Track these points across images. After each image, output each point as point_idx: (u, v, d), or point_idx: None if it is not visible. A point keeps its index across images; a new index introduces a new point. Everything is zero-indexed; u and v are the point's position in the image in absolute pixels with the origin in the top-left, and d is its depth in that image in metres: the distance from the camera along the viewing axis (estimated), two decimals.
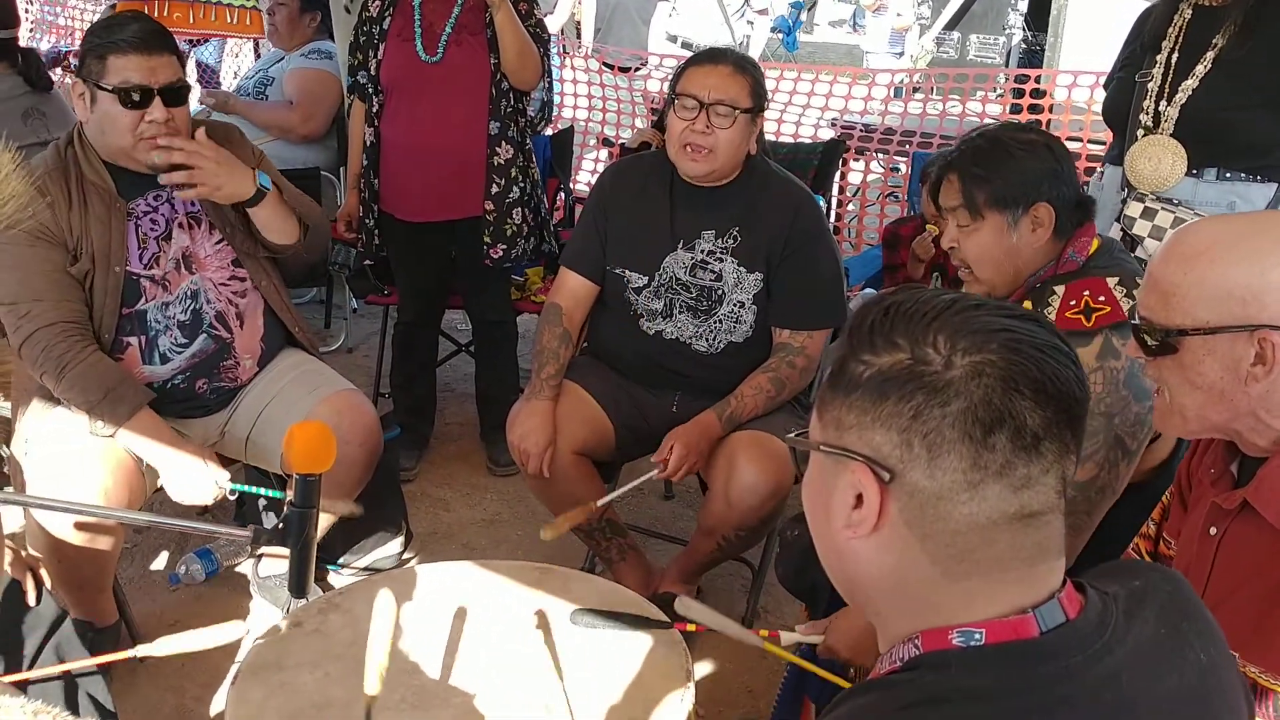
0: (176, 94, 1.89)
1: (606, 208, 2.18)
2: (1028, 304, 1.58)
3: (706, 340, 2.12)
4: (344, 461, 1.92)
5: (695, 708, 1.35)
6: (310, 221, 2.08)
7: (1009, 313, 0.73)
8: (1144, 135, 2.20)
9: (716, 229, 2.09)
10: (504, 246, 2.74)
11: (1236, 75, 2.09)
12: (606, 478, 2.28)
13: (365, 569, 2.37)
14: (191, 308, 2.00)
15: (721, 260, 2.10)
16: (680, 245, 2.11)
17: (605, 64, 5.52)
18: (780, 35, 10.01)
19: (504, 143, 2.69)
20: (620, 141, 4.57)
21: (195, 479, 1.87)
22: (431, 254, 2.82)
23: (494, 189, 2.70)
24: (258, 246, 2.05)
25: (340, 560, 2.38)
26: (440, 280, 2.90)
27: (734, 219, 2.09)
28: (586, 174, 5.03)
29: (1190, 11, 2.17)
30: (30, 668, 1.49)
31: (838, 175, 4.15)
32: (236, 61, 5.91)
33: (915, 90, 5.35)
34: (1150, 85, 2.20)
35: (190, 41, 5.08)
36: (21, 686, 1.44)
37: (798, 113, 4.89)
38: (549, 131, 3.72)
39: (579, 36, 6.41)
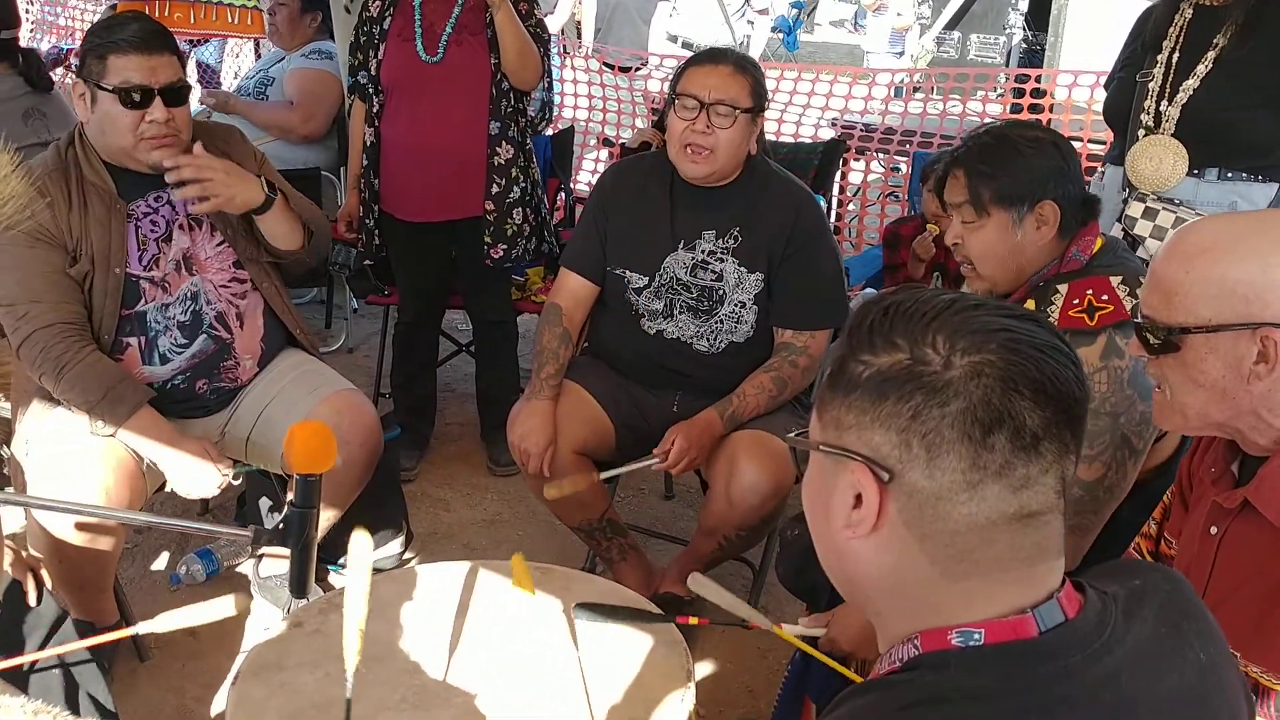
0: (177, 94, 1.89)
1: (607, 208, 2.18)
2: (1031, 303, 1.58)
3: (707, 340, 2.12)
4: (344, 462, 1.92)
5: (696, 708, 1.35)
6: (314, 227, 2.09)
7: (1008, 313, 0.73)
8: (1145, 135, 2.20)
9: (717, 229, 2.09)
10: (504, 246, 2.74)
11: (1238, 75, 2.09)
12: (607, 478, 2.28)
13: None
14: (191, 308, 2.00)
15: (722, 260, 2.10)
16: (681, 245, 2.11)
17: (605, 64, 5.52)
18: (781, 35, 10.01)
19: (504, 143, 2.69)
20: (620, 141, 4.57)
21: (199, 472, 1.87)
22: (432, 254, 2.82)
23: (494, 189, 2.70)
24: (260, 250, 2.05)
25: (341, 560, 2.37)
26: (441, 280, 2.90)
27: (735, 219, 2.09)
28: (587, 174, 5.03)
29: (1191, 11, 2.17)
30: (32, 669, 1.50)
31: (838, 175, 4.15)
32: (237, 62, 5.91)
33: (916, 90, 5.35)
34: (1151, 85, 2.20)
35: (191, 41, 5.08)
36: (21, 681, 1.45)
37: (798, 112, 4.89)
38: (549, 131, 3.72)
39: (579, 36, 6.41)
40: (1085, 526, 1.52)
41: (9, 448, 2.03)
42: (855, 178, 4.79)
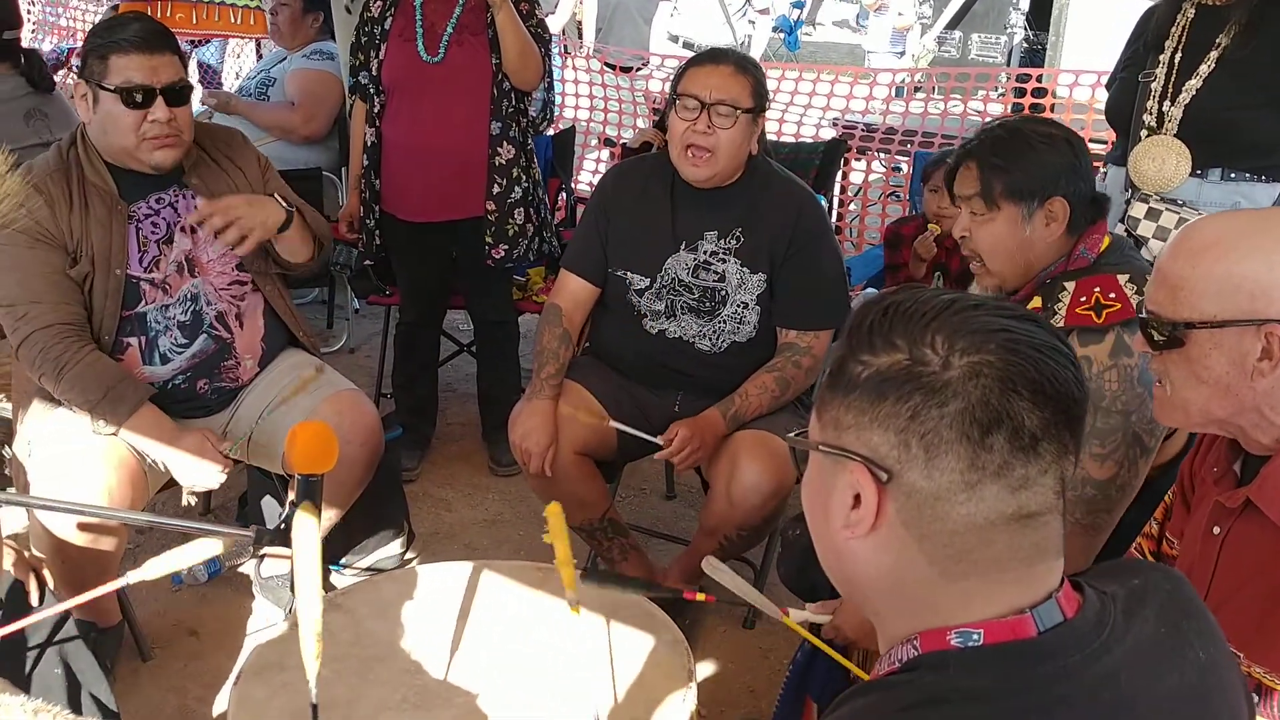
0: (179, 94, 1.89)
1: (608, 210, 2.18)
2: (1038, 300, 1.58)
3: (710, 340, 2.12)
4: (346, 462, 1.92)
5: (697, 708, 1.35)
6: (323, 237, 2.10)
7: (1007, 313, 0.73)
8: (1148, 136, 2.19)
9: (719, 230, 2.09)
10: (506, 247, 2.74)
11: (1240, 75, 2.09)
12: (608, 477, 2.29)
13: (367, 569, 2.37)
14: (191, 309, 2.00)
15: (724, 261, 2.10)
16: (683, 246, 2.11)
17: (607, 64, 5.52)
18: (782, 35, 10.00)
19: (505, 143, 2.69)
20: (622, 141, 4.57)
21: (202, 464, 1.87)
22: (433, 254, 2.82)
23: (495, 189, 2.71)
24: (269, 262, 2.06)
25: (342, 561, 2.38)
26: (442, 280, 2.90)
27: (736, 219, 2.09)
28: (588, 174, 5.03)
29: (1193, 11, 2.17)
30: (33, 669, 1.50)
31: (839, 175, 4.15)
32: (238, 62, 5.91)
33: (917, 90, 5.35)
34: (1154, 85, 2.19)
35: (192, 42, 5.08)
36: (23, 681, 1.45)
37: (799, 112, 4.89)
38: (550, 131, 3.72)
39: (580, 36, 6.41)
40: (1099, 525, 1.52)
41: (11, 448, 2.03)
42: (856, 178, 4.79)
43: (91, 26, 2.18)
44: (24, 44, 2.95)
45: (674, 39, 5.86)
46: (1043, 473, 0.71)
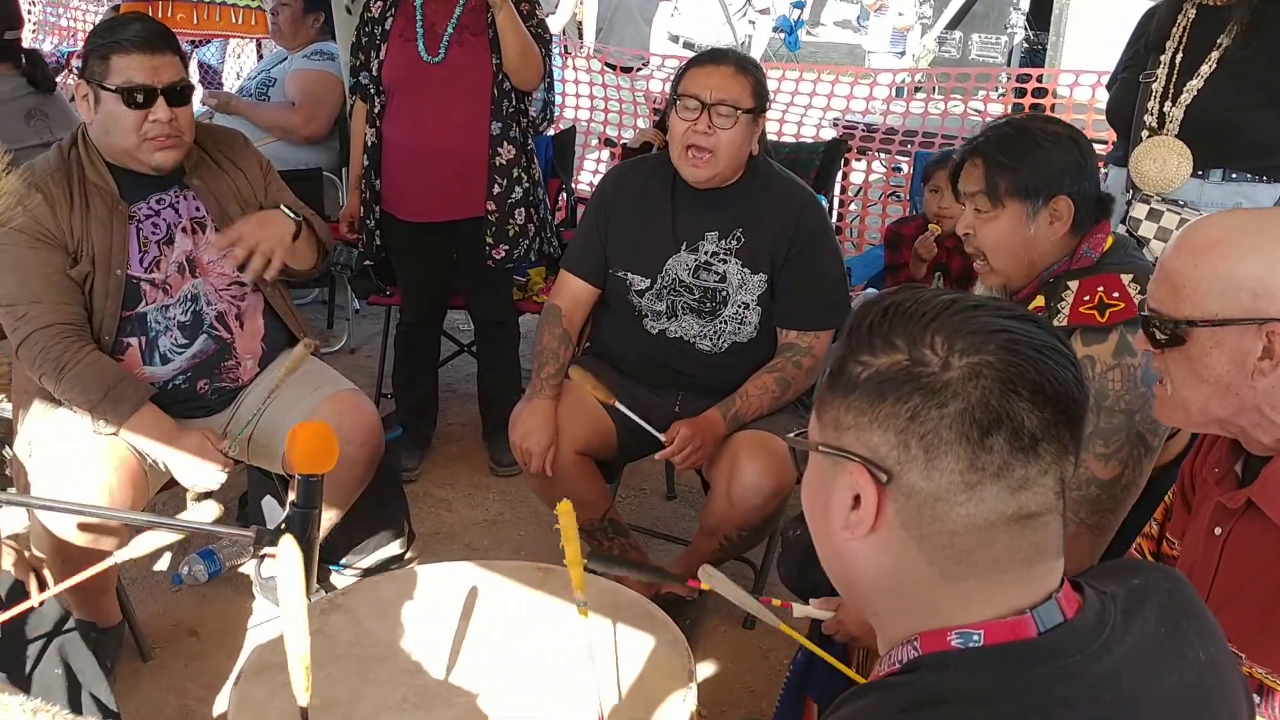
0: (180, 94, 1.89)
1: (608, 210, 2.18)
2: (1041, 298, 1.58)
3: (711, 340, 2.12)
4: (346, 462, 1.92)
5: (698, 708, 1.35)
6: (326, 242, 2.10)
7: (1007, 313, 0.73)
8: (1149, 136, 2.19)
9: (720, 230, 2.09)
10: (506, 247, 2.74)
11: (1241, 75, 2.09)
12: (608, 478, 2.29)
13: (367, 569, 2.37)
14: (192, 309, 2.00)
15: (725, 261, 2.10)
16: (683, 247, 2.11)
17: (607, 64, 5.51)
18: (782, 35, 10.00)
19: (506, 143, 2.69)
20: (622, 142, 4.57)
21: (202, 465, 1.87)
22: (433, 254, 2.83)
23: (496, 189, 2.71)
24: None
25: (342, 561, 2.38)
26: (442, 280, 2.90)
27: (737, 220, 2.09)
28: (588, 174, 5.03)
29: (1194, 11, 2.17)
30: (33, 669, 1.50)
31: (839, 175, 4.15)
32: (239, 62, 5.92)
33: (917, 90, 5.35)
34: (1155, 86, 2.19)
35: (193, 42, 5.09)
36: (24, 681, 1.45)
37: (799, 113, 4.89)
38: (551, 132, 3.72)
39: (580, 36, 6.41)
40: (1104, 525, 1.52)
41: (11, 448, 2.03)
42: (857, 178, 4.79)
43: (92, 27, 2.18)
44: (25, 44, 2.95)
45: (674, 39, 5.85)
46: (1043, 473, 0.71)
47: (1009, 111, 4.82)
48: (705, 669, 2.14)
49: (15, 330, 1.86)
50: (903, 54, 8.40)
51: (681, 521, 2.72)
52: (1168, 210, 2.14)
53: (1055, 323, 1.53)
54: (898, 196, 4.41)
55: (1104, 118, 2.64)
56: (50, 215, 1.86)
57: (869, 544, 0.74)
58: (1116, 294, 1.51)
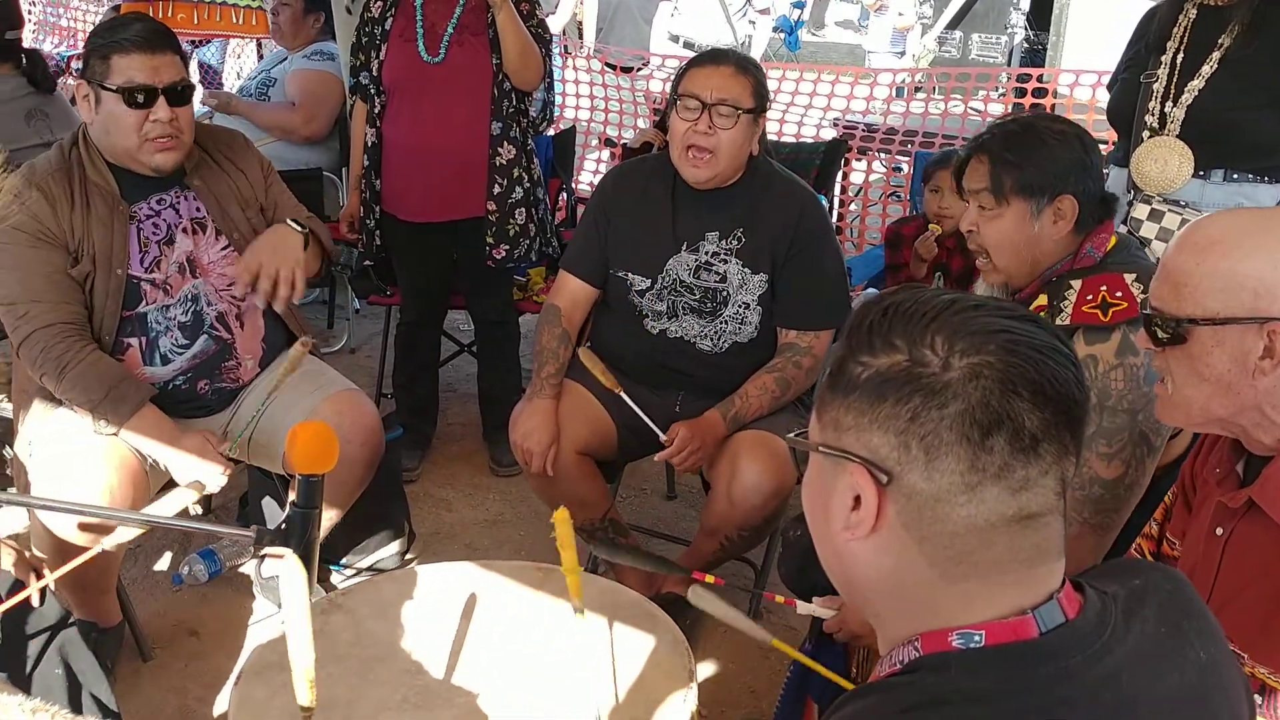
0: (180, 94, 1.89)
1: (608, 211, 2.18)
2: (1044, 297, 1.58)
3: (711, 340, 2.12)
4: (346, 462, 1.92)
5: (698, 708, 1.35)
6: (329, 249, 2.10)
7: (1007, 313, 0.73)
8: (1150, 137, 2.19)
9: (720, 230, 2.09)
10: (506, 247, 2.74)
11: (1243, 75, 2.09)
12: (609, 478, 2.29)
13: (368, 569, 2.37)
14: (192, 309, 2.00)
15: (726, 261, 2.10)
16: (684, 247, 2.11)
17: (607, 64, 5.51)
18: (782, 35, 10.00)
19: (506, 143, 2.69)
20: (622, 142, 4.57)
21: (203, 467, 1.88)
22: (434, 254, 2.83)
23: (496, 189, 2.71)
24: None
25: (343, 561, 2.38)
26: (442, 280, 2.90)
27: (738, 220, 2.08)
28: (588, 174, 5.03)
29: (1195, 11, 2.17)
30: (34, 669, 1.50)
31: (840, 175, 4.15)
32: (239, 62, 5.92)
33: (917, 90, 5.35)
34: (1155, 86, 2.19)
35: (193, 42, 5.09)
36: (24, 681, 1.45)
37: (800, 113, 4.89)
38: (551, 132, 3.72)
39: (581, 36, 6.41)
40: (1107, 525, 1.52)
41: (12, 448, 2.03)
42: (857, 178, 4.79)
43: (92, 27, 2.18)
44: (25, 44, 2.95)
45: (674, 39, 5.86)
46: (1043, 474, 0.71)
47: (1009, 111, 4.82)
48: (705, 669, 2.14)
49: (16, 329, 1.86)
50: (903, 54, 8.40)
51: (682, 521, 2.72)
52: (1169, 211, 2.14)
53: (1058, 322, 1.53)
54: (898, 196, 4.41)
55: (1104, 118, 2.63)
56: (51, 214, 1.86)
57: (869, 545, 0.74)
58: (1120, 293, 1.51)
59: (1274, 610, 1.06)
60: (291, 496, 1.28)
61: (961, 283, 2.69)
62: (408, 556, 2.47)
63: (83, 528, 1.80)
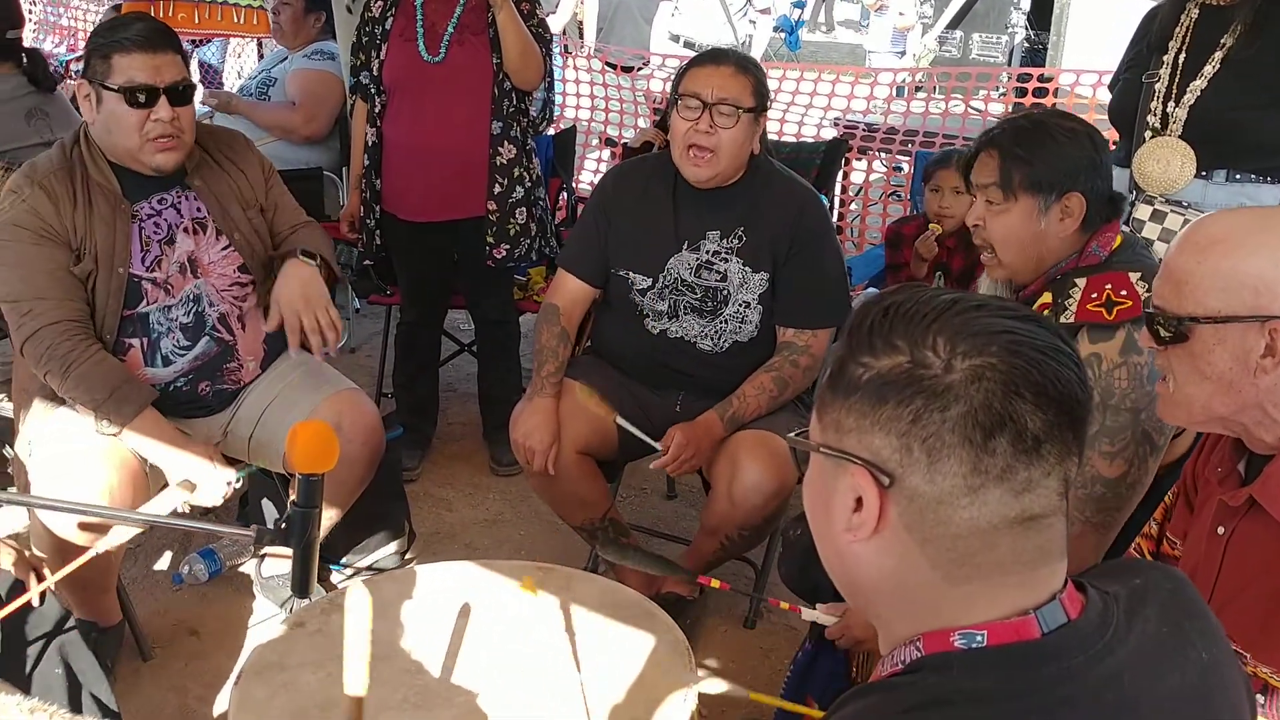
0: (182, 93, 1.89)
1: (609, 210, 2.17)
2: (1048, 295, 1.58)
3: (712, 340, 2.12)
4: (346, 461, 1.92)
5: (698, 708, 1.35)
6: (335, 271, 2.11)
7: (1010, 313, 0.72)
8: (1152, 137, 2.19)
9: (721, 229, 2.09)
10: (507, 246, 2.74)
11: (1245, 75, 2.08)
12: (609, 477, 2.29)
13: (368, 569, 2.37)
14: (194, 310, 2.00)
15: (727, 260, 2.09)
16: (685, 246, 2.11)
17: (607, 64, 5.51)
18: (783, 35, 10.01)
19: (506, 142, 2.69)
20: (623, 141, 4.56)
21: (203, 480, 1.87)
22: (434, 254, 2.82)
23: (496, 189, 2.71)
24: (268, 260, 2.06)
25: (343, 560, 2.38)
26: (442, 280, 2.90)
27: (738, 219, 2.08)
28: (589, 174, 5.02)
29: (1197, 11, 2.16)
30: (34, 668, 1.50)
31: (840, 175, 4.14)
32: (239, 62, 5.92)
33: (918, 89, 5.35)
34: (1158, 86, 2.18)
35: (194, 41, 5.09)
36: (24, 681, 1.45)
37: (800, 112, 4.88)
38: (551, 131, 3.72)
39: (581, 36, 6.41)
40: (1108, 524, 1.52)
41: (12, 447, 2.03)
42: (857, 177, 4.78)
43: (93, 27, 2.18)
44: (26, 43, 2.95)
45: (675, 39, 5.86)
46: (1046, 475, 0.71)
47: (1009, 111, 4.82)
48: (705, 669, 2.14)
49: (21, 327, 1.86)
50: (903, 53, 8.41)
51: (682, 521, 2.71)
52: (1171, 211, 2.14)
53: (1062, 319, 1.53)
54: (898, 196, 4.40)
55: (1105, 118, 2.63)
56: (54, 212, 1.86)
57: (871, 546, 0.74)
58: (1124, 292, 1.51)
59: (1275, 609, 1.06)
60: (291, 496, 1.28)
61: (962, 282, 2.69)
62: (407, 556, 2.46)
63: (83, 527, 1.80)
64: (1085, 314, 1.52)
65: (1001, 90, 5.59)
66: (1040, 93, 4.62)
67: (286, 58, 3.69)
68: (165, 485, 1.99)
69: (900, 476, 0.71)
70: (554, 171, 3.58)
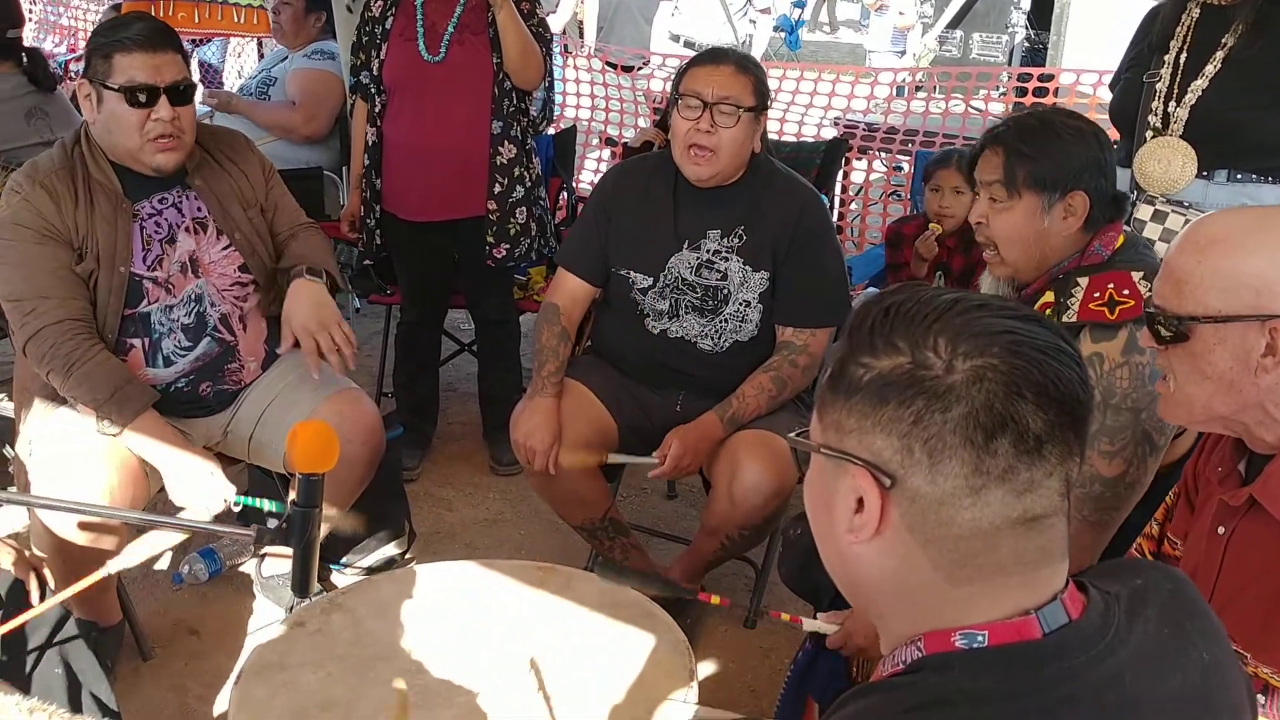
0: (182, 93, 1.89)
1: (609, 209, 2.17)
2: (1050, 294, 1.57)
3: (712, 339, 2.12)
4: (346, 461, 1.92)
5: (698, 708, 1.34)
6: (339, 281, 2.11)
7: (1011, 313, 0.72)
8: (1153, 137, 2.18)
9: (722, 228, 2.09)
10: (507, 246, 2.74)
11: (1246, 75, 2.08)
12: (609, 477, 2.28)
13: (368, 569, 2.37)
14: (195, 310, 2.00)
15: (727, 260, 2.09)
16: (685, 245, 2.11)
17: (608, 63, 5.51)
18: (783, 34, 10.00)
19: (506, 142, 2.69)
20: (623, 141, 4.56)
21: (201, 488, 1.86)
22: (434, 253, 2.82)
23: (497, 188, 2.70)
24: (271, 263, 2.06)
25: (343, 560, 2.38)
26: (443, 280, 2.90)
27: (739, 218, 2.08)
28: (589, 173, 5.02)
29: (1198, 11, 2.16)
30: (34, 668, 1.50)
31: (840, 175, 4.14)
32: (239, 61, 5.92)
33: (918, 89, 5.35)
34: (1159, 86, 2.18)
35: (194, 41, 5.09)
36: (24, 680, 1.45)
37: (800, 112, 4.88)
38: (551, 131, 3.72)
39: (581, 36, 6.41)
40: (1106, 523, 1.52)
41: (12, 447, 2.03)
42: (857, 177, 4.78)
43: (93, 26, 2.18)
44: (26, 43, 2.95)
45: (675, 38, 5.85)
46: (1048, 475, 0.71)
47: (1010, 111, 4.81)
48: (706, 668, 2.14)
49: (24, 325, 1.85)
50: (903, 53, 8.41)
51: (682, 521, 2.71)
52: (1172, 211, 2.14)
53: (1064, 318, 1.53)
54: (898, 196, 4.40)
55: (1106, 117, 2.63)
56: (55, 211, 1.86)
57: (873, 547, 0.74)
58: (1126, 291, 1.51)
59: (1276, 609, 1.06)
60: (291, 495, 1.28)
61: (963, 281, 2.69)
62: (407, 556, 2.46)
63: (83, 527, 1.80)
64: (1088, 313, 1.51)
65: (1002, 90, 5.59)
66: (1040, 92, 4.62)
67: (287, 57, 3.69)
68: (164, 486, 1.99)
69: (902, 477, 0.71)
70: (554, 171, 3.58)
